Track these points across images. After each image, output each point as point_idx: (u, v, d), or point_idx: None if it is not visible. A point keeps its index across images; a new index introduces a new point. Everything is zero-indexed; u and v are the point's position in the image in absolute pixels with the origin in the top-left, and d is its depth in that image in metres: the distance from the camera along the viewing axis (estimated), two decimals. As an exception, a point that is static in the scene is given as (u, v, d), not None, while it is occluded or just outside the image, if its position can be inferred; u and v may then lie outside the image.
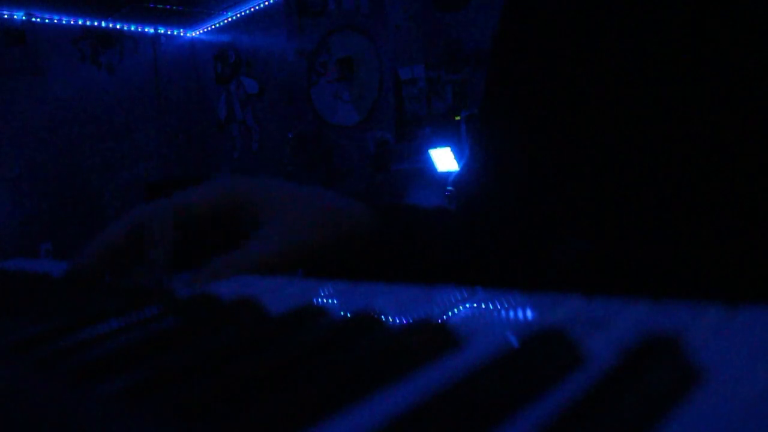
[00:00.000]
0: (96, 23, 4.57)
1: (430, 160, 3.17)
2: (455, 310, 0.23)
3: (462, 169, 0.53)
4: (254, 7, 4.53)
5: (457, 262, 0.45)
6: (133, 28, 4.74)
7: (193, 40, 5.01)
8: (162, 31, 4.87)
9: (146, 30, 4.81)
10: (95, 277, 0.40)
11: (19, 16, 4.27)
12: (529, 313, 0.22)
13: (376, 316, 0.21)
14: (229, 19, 4.72)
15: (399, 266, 0.42)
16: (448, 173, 3.03)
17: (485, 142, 0.50)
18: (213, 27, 4.86)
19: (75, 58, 4.51)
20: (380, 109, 3.87)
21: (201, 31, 4.95)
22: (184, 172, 4.91)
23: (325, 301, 0.25)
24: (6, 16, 4.22)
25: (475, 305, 0.23)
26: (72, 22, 4.49)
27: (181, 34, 4.96)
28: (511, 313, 0.22)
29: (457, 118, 3.23)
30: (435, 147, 3.15)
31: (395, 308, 0.24)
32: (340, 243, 0.40)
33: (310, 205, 0.40)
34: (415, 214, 0.46)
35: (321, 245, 0.39)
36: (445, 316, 0.22)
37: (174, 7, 4.42)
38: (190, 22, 4.80)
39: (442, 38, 3.49)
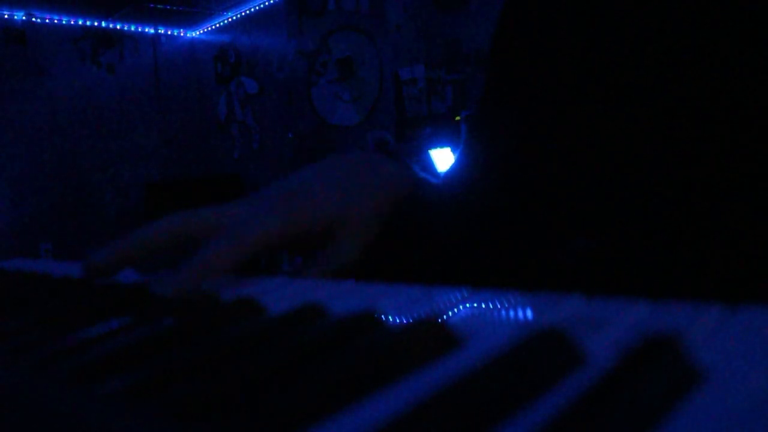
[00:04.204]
0: (96, 23, 4.56)
1: (430, 160, 3.17)
2: (455, 310, 0.23)
3: (453, 167, 0.52)
4: (254, 7, 4.53)
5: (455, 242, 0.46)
6: (133, 28, 4.74)
7: (193, 40, 5.00)
8: (162, 31, 4.87)
9: (146, 30, 4.80)
10: (114, 272, 0.40)
11: (19, 16, 4.26)
12: (529, 313, 0.22)
13: (376, 316, 0.21)
14: (229, 19, 4.71)
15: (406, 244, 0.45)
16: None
17: (485, 142, 0.50)
18: (213, 27, 4.85)
19: (75, 58, 4.50)
20: (380, 109, 3.86)
21: (201, 31, 4.94)
22: (184, 172, 4.90)
23: (325, 301, 0.25)
24: (6, 16, 4.22)
25: (475, 305, 0.23)
26: (72, 22, 4.48)
27: (181, 34, 4.96)
28: (511, 313, 0.22)
29: (457, 118, 3.22)
30: (435, 147, 3.14)
31: (395, 308, 0.24)
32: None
33: (378, 204, 0.44)
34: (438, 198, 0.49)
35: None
36: (445, 316, 0.22)
37: (174, 7, 4.41)
38: (190, 22, 4.80)
39: (442, 38, 3.49)
